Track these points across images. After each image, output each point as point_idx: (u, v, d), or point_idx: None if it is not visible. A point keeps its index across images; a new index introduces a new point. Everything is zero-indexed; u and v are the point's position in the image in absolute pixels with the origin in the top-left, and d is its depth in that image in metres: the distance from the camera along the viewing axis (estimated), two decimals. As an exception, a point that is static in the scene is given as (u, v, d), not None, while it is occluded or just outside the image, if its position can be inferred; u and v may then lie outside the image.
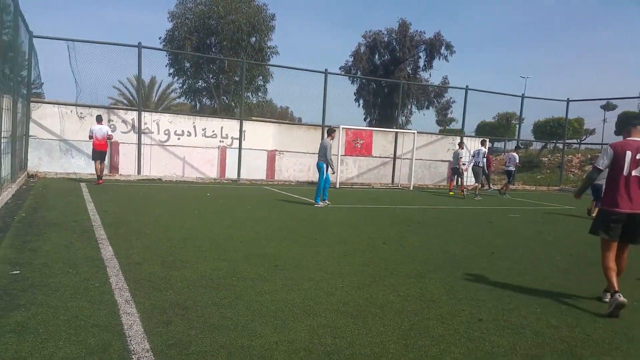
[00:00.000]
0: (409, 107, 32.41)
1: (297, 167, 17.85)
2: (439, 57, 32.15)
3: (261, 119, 19.41)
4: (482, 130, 33.06)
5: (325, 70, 17.63)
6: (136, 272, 4.54)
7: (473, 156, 15.55)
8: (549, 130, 30.33)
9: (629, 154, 4.34)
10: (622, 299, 4.09)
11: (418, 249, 6.51)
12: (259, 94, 27.72)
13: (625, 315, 4.15)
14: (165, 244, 5.85)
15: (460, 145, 16.42)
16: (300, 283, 4.51)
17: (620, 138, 4.73)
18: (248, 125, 16.96)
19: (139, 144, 15.03)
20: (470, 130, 27.93)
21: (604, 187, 4.66)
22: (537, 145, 31.78)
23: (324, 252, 5.92)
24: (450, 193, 16.08)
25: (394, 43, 32.80)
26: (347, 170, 18.40)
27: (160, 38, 26.59)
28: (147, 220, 7.40)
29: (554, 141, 29.10)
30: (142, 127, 15.08)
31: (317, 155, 11.12)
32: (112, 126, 14.65)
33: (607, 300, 4.37)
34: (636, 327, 3.90)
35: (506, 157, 16.66)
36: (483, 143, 16.54)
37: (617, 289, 4.24)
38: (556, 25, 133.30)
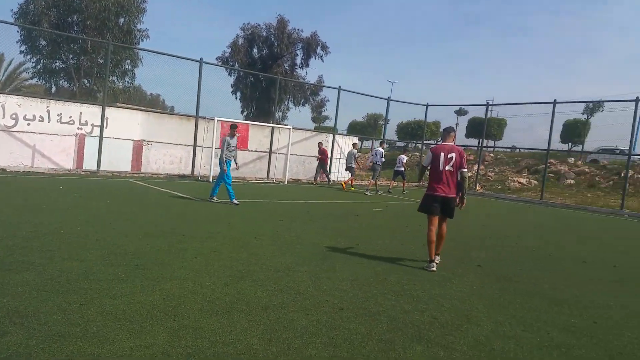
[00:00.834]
0: (286, 102, 32.87)
1: (167, 159, 16.88)
2: (315, 56, 33.18)
3: (127, 105, 17.93)
4: (353, 129, 35.05)
5: (201, 59, 16.97)
6: (-42, 278, 3.84)
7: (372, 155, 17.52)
8: (410, 131, 33.51)
9: (442, 154, 5.83)
10: (434, 268, 5.70)
11: (289, 243, 6.62)
12: (126, 79, 25.72)
13: (466, 300, 4.71)
14: (5, 243, 5.06)
15: (354, 145, 18.55)
16: (162, 283, 4.26)
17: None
18: (112, 111, 15.54)
19: (-26, 128, 12.77)
20: (342, 128, 29.32)
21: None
22: (399, 145, 34.93)
23: (192, 249, 5.68)
24: (352, 188, 17.52)
25: (272, 38, 32.90)
26: (222, 163, 17.95)
27: (12, 11, 23.08)
28: (-21, 217, 6.31)
29: (414, 141, 32.14)
30: (-22, 108, 12.83)
31: None
32: None
33: (434, 269, 5.72)
34: (474, 310, 4.44)
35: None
36: (381, 144, 19.01)
37: (433, 258, 5.80)
38: (420, 35, 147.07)
